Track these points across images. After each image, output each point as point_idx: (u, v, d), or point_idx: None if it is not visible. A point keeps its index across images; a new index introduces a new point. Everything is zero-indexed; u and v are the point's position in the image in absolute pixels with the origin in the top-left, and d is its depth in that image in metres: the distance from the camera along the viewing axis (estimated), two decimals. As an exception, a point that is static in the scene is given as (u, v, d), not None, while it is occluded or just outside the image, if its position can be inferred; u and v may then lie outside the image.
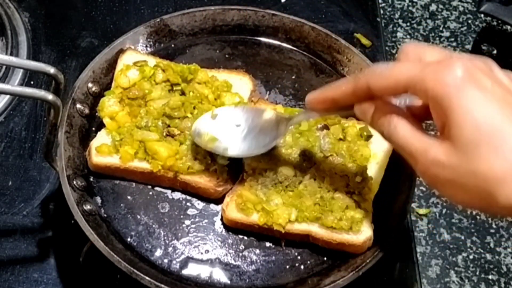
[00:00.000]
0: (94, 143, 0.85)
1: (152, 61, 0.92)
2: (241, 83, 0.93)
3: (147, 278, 0.75)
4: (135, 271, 0.75)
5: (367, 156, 0.86)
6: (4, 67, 1.01)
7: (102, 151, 0.84)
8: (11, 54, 1.02)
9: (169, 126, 0.86)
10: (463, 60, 0.58)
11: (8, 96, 0.98)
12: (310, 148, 0.85)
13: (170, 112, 0.86)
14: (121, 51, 0.93)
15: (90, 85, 0.90)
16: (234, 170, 0.86)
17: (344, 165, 0.84)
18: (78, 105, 0.88)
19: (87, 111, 0.89)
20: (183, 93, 0.89)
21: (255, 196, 0.82)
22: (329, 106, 0.71)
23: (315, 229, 0.81)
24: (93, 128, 0.90)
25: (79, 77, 0.89)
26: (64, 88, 0.77)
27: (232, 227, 0.84)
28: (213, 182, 0.84)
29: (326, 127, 0.88)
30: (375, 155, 0.87)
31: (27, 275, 0.84)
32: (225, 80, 0.91)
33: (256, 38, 1.00)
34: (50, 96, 0.72)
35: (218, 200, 0.85)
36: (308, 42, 1.00)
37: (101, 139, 0.86)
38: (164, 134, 0.85)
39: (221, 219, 0.84)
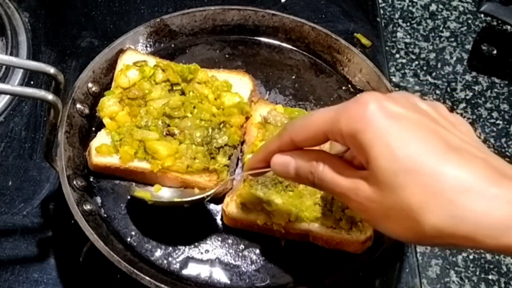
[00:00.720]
0: (94, 143, 0.85)
1: (152, 61, 0.92)
2: (241, 83, 0.93)
3: (147, 278, 0.75)
4: (135, 271, 0.75)
5: None
6: (4, 67, 1.00)
7: (102, 151, 0.84)
8: (11, 54, 1.02)
9: (169, 125, 0.86)
10: (374, 94, 0.57)
11: (8, 96, 0.98)
12: None
13: (170, 112, 0.86)
14: (121, 51, 0.93)
15: (90, 85, 0.90)
16: (234, 170, 0.86)
17: None
18: (78, 105, 0.88)
19: (87, 111, 0.89)
20: (183, 93, 0.89)
21: (255, 196, 0.82)
22: (263, 166, 0.69)
23: (315, 229, 0.81)
24: (93, 128, 0.90)
25: (79, 77, 0.89)
26: (64, 88, 0.77)
27: (232, 227, 0.84)
28: (213, 181, 0.84)
29: None
30: None
31: (27, 275, 0.84)
32: (225, 80, 0.91)
33: (256, 38, 1.00)
34: (50, 96, 0.72)
35: (218, 200, 0.85)
36: (308, 42, 1.00)
37: (101, 139, 0.86)
38: (164, 133, 0.85)
39: (221, 219, 0.84)
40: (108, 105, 0.87)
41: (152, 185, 0.86)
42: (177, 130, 0.85)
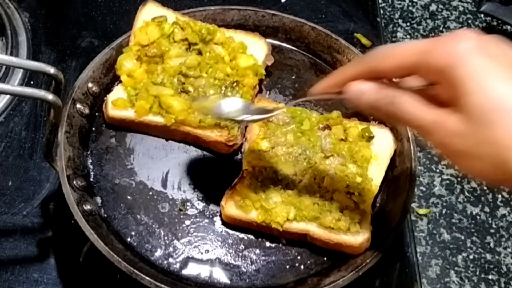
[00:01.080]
0: (111, 97, 0.88)
1: (171, 16, 0.93)
2: (256, 46, 0.95)
3: (147, 278, 0.75)
4: (135, 271, 0.75)
5: (368, 157, 0.86)
6: (4, 67, 1.00)
7: (118, 104, 0.87)
8: (11, 54, 1.02)
9: (183, 83, 0.88)
10: (471, 32, 0.57)
11: (8, 96, 0.98)
12: (311, 147, 0.86)
13: (186, 70, 0.89)
14: (143, 3, 0.95)
15: (90, 85, 0.90)
16: (245, 127, 0.89)
17: (345, 165, 0.84)
18: (78, 105, 0.88)
19: (87, 111, 0.89)
20: (199, 53, 0.91)
21: (254, 194, 0.82)
22: (336, 92, 0.68)
23: (313, 229, 0.81)
24: (93, 128, 0.90)
25: (79, 77, 0.89)
26: (64, 88, 0.77)
27: (231, 224, 0.84)
28: (224, 137, 0.87)
29: (328, 127, 0.88)
30: (376, 156, 0.87)
31: (27, 275, 0.84)
32: (241, 41, 0.93)
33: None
34: (50, 96, 0.72)
35: (218, 200, 0.85)
36: (308, 42, 1.00)
37: (117, 93, 0.88)
38: (179, 90, 0.88)
39: (221, 218, 0.85)
40: (126, 63, 0.89)
41: (165, 138, 0.89)
42: (191, 88, 0.88)
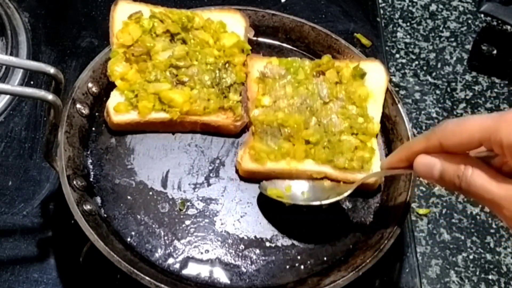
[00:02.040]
0: (110, 103, 0.88)
1: (146, 10, 0.93)
2: (234, 21, 0.96)
3: (147, 278, 0.75)
4: (135, 271, 0.75)
5: (364, 95, 0.89)
6: (4, 67, 1.00)
7: (120, 109, 0.87)
8: (11, 54, 1.02)
9: (177, 75, 0.89)
10: None
11: (8, 96, 0.98)
12: (310, 96, 0.89)
13: (176, 62, 0.89)
14: (114, 2, 0.94)
15: (90, 85, 0.90)
16: (246, 105, 0.91)
17: (345, 108, 0.88)
18: (78, 105, 0.88)
19: (87, 111, 0.89)
20: (184, 42, 0.92)
21: (266, 147, 0.86)
22: (404, 166, 0.70)
23: (329, 171, 0.85)
24: (93, 128, 0.90)
25: (79, 77, 0.89)
26: (64, 88, 0.76)
27: (249, 178, 0.87)
28: (231, 118, 0.88)
29: (322, 73, 0.91)
30: (371, 93, 0.90)
31: (27, 275, 0.84)
32: (219, 20, 0.94)
33: (256, 38, 1.00)
34: (50, 96, 0.72)
35: (218, 199, 0.85)
36: (308, 42, 1.00)
37: (115, 98, 0.88)
38: (174, 82, 0.89)
39: (238, 175, 0.87)
40: (117, 68, 0.89)
41: (173, 133, 0.90)
42: (186, 78, 0.89)
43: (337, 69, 0.91)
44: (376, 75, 0.92)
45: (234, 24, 0.95)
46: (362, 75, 0.91)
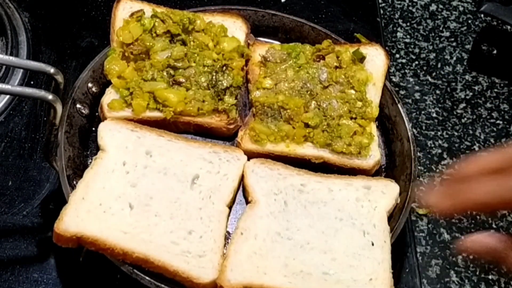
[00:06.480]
0: (104, 100, 0.88)
1: (148, 9, 0.93)
2: (235, 26, 0.96)
3: (147, 278, 0.75)
4: (135, 271, 0.75)
5: (364, 79, 0.90)
6: (4, 67, 1.00)
7: (114, 106, 0.87)
8: (11, 54, 1.02)
9: (173, 76, 0.89)
10: None
11: (8, 96, 0.98)
12: (311, 80, 0.90)
13: (174, 63, 0.89)
14: (117, 0, 0.94)
15: (90, 85, 0.90)
16: (242, 108, 0.92)
17: (344, 92, 0.89)
18: (78, 105, 0.88)
19: (87, 111, 0.89)
20: (183, 43, 0.92)
21: (266, 128, 0.87)
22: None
23: (327, 155, 0.86)
24: (93, 128, 0.90)
25: (79, 77, 0.89)
26: (64, 88, 0.77)
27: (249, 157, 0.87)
28: (224, 121, 0.88)
29: (322, 57, 0.93)
30: (371, 77, 0.92)
31: (27, 275, 0.84)
32: (221, 24, 0.94)
33: (256, 38, 1.00)
34: (50, 96, 0.72)
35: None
36: (308, 42, 0.99)
37: (110, 95, 0.88)
38: (171, 82, 0.89)
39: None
40: (114, 66, 0.89)
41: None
42: (182, 79, 0.89)
43: (337, 54, 0.93)
44: (376, 58, 0.94)
45: (235, 28, 0.95)
46: (362, 58, 0.92)
